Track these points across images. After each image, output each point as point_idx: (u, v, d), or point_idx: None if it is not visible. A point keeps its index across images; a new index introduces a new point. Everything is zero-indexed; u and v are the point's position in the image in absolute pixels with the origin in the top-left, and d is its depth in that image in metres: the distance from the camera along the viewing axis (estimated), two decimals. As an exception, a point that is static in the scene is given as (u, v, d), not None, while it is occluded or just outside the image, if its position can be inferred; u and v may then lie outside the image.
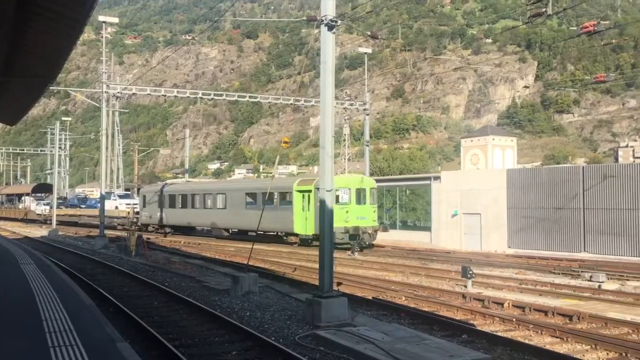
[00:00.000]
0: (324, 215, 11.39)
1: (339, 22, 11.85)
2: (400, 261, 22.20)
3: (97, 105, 39.84)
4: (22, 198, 70.30)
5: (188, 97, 41.55)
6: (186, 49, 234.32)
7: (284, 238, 30.12)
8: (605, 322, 11.29)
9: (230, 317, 11.50)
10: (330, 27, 11.50)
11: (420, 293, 15.04)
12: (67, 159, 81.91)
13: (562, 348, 9.75)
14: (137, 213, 42.64)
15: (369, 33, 18.76)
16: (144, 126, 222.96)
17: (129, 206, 46.95)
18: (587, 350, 9.61)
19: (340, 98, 43.93)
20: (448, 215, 30.37)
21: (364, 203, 27.71)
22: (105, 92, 34.26)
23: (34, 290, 12.10)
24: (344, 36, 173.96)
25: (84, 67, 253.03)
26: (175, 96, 40.88)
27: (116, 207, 50.31)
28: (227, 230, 35.22)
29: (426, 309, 13.00)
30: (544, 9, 16.68)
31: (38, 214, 58.97)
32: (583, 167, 27.49)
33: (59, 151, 59.94)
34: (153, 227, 40.63)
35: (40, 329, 8.39)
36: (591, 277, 16.60)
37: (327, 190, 11.34)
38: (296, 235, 28.92)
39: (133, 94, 39.71)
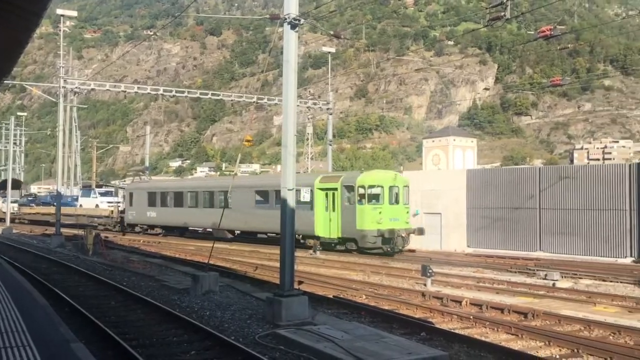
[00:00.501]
0: (285, 213, 11.38)
1: (302, 20, 11.84)
2: (361, 260, 22.34)
3: (54, 100, 38.80)
4: None
5: (149, 93, 40.82)
6: (147, 45, 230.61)
7: (302, 242, 26.44)
8: (558, 319, 11.59)
9: (190, 317, 11.38)
10: (293, 26, 11.49)
11: (380, 292, 15.16)
12: (23, 155, 79.61)
13: (517, 345, 9.97)
14: (122, 212, 40.07)
15: (332, 32, 18.82)
16: (103, 122, 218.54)
17: (111, 204, 44.18)
18: (540, 347, 9.85)
19: (303, 97, 43.92)
20: (409, 215, 30.66)
21: (397, 203, 24.99)
22: (63, 87, 33.43)
23: (-15, 290, 11.73)
24: (308, 35, 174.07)
25: (41, 61, 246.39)
26: (135, 92, 40.08)
27: (96, 206, 46.47)
28: (231, 232, 31.60)
29: (386, 308, 13.11)
30: (502, 13, 17.03)
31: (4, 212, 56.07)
32: (540, 168, 28.17)
33: (13, 147, 58.10)
34: (141, 228, 37.78)
35: (-9, 330, 8.14)
36: (546, 275, 17.03)
37: (288, 189, 11.32)
38: (317, 238, 25.87)
39: (92, 89, 38.87)
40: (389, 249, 23.65)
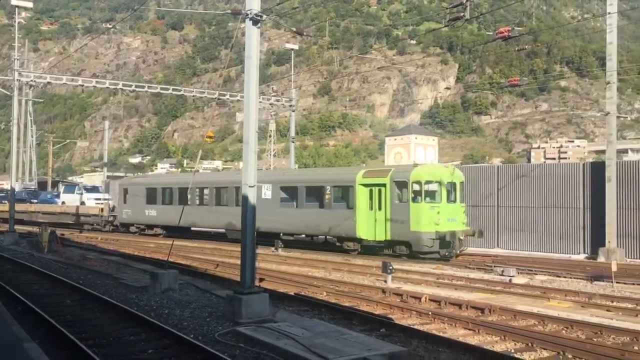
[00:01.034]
0: (246, 210, 11.31)
1: (264, 17, 11.77)
2: (322, 257, 22.39)
3: (9, 93, 37.68)
4: None
5: (108, 87, 39.98)
6: (107, 38, 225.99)
7: (338, 244, 24.00)
8: (514, 315, 11.83)
9: (148, 315, 11.20)
10: (255, 22, 11.41)
11: (341, 288, 15.23)
12: (-26, 149, 77.04)
13: (474, 340, 10.14)
14: (113, 210, 36.93)
15: (294, 29, 18.79)
16: (60, 117, 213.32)
17: (99, 202, 40.69)
18: (496, 342, 10.05)
19: (266, 94, 43.76)
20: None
21: (454, 201, 22.01)
22: (18, 79, 32.41)
23: None
24: (271, 31, 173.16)
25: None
26: (94, 86, 39.19)
27: (82, 203, 42.36)
28: None
29: (347, 304, 13.17)
30: (462, 13, 17.30)
31: None
32: (498, 167, 28.74)
33: (-35, 141, 56.04)
34: (137, 228, 34.14)
35: (-62, 331, 7.85)
36: (503, 271, 17.39)
37: (249, 186, 11.26)
38: (359, 241, 22.91)
39: (48, 82, 37.85)
40: (446, 254, 21.11)
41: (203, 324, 10.66)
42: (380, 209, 22.05)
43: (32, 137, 62.63)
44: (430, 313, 11.88)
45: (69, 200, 43.40)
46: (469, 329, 10.77)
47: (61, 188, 50.22)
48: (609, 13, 22.05)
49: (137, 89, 39.93)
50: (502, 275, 17.17)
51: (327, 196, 23.88)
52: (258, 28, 11.56)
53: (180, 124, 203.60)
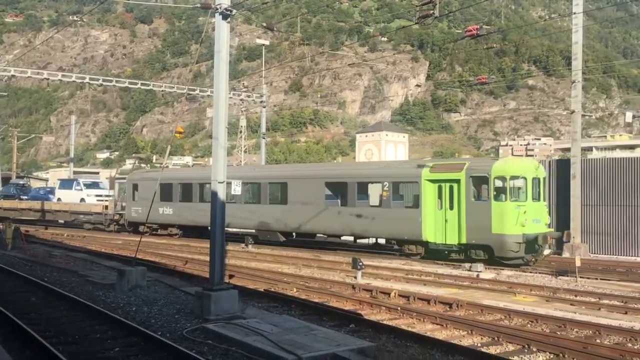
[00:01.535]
0: (215, 207, 11.23)
1: (235, 11, 11.68)
2: (292, 253, 22.38)
3: (-30, 86, 36.66)
4: None
5: (74, 81, 39.19)
6: (73, 31, 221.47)
7: (398, 247, 21.88)
8: (481, 309, 12.03)
9: (115, 313, 11.06)
10: (225, 16, 11.32)
11: (311, 285, 15.25)
12: None
13: (441, 334, 10.27)
14: (121, 207, 33.41)
15: (265, 25, 18.68)
16: (25, 111, 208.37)
17: (100, 198, 37.96)
18: (464, 336, 10.20)
19: (237, 89, 43.44)
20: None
21: (539, 199, 19.42)
22: (-20, 72, 31.62)
23: None
24: (242, 27, 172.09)
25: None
26: (60, 80, 38.40)
27: (82, 200, 39.43)
28: (284, 234, 24.94)
29: (317, 300, 13.20)
30: (432, 11, 17.47)
31: None
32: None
33: None
34: (149, 228, 30.55)
35: None
36: (470, 267, 17.65)
37: (219, 182, 11.18)
38: (424, 244, 20.29)
39: (12, 75, 36.91)
40: (533, 260, 18.70)
41: (171, 321, 10.57)
42: (451, 208, 19.45)
43: (-5, 131, 61.03)
44: (399, 308, 11.99)
45: (66, 197, 40.64)
46: (437, 324, 10.90)
47: (57, 183, 46.92)
48: (575, 13, 22.51)
49: (104, 83, 39.16)
50: (470, 270, 17.43)
51: (384, 193, 21.25)
52: (228, 23, 11.48)
53: (150, 119, 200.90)
